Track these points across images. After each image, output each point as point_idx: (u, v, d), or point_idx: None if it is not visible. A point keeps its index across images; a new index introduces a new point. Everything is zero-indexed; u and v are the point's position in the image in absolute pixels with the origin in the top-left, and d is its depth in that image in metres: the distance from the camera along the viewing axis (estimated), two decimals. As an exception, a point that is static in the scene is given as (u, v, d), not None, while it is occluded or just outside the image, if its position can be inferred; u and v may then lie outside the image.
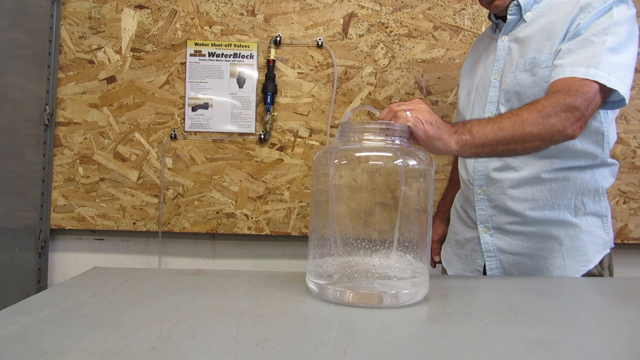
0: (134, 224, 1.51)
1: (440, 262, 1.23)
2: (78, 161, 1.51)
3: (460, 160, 1.13)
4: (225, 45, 1.50)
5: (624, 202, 1.52)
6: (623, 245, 1.52)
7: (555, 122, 0.78)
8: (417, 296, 0.67)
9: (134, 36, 1.50)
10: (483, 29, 1.51)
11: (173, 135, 1.50)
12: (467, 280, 0.91)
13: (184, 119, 1.50)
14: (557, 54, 0.89)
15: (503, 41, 1.01)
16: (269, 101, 1.48)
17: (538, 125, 0.77)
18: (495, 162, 1.00)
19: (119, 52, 1.50)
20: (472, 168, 1.04)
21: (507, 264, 1.01)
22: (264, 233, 1.53)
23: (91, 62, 1.50)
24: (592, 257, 0.96)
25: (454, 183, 1.27)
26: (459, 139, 0.74)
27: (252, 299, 0.67)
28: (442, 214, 1.29)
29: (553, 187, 0.95)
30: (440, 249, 1.24)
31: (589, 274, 0.96)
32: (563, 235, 0.96)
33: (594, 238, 0.97)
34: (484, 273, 1.04)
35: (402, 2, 1.52)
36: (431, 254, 1.28)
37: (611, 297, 0.80)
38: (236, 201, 1.52)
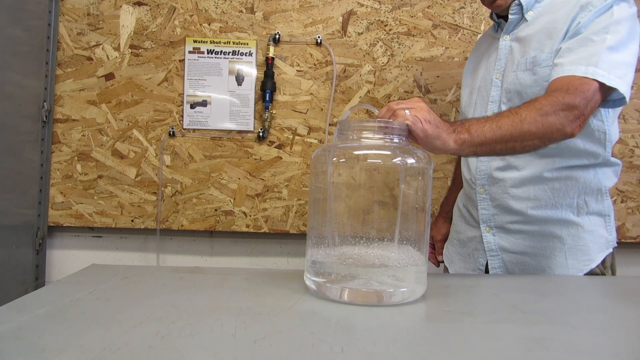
0: (132, 221, 1.51)
1: (443, 261, 1.23)
2: (76, 158, 1.50)
3: (462, 160, 1.12)
4: (224, 43, 1.50)
5: (622, 201, 1.52)
6: (620, 244, 1.51)
7: (554, 120, 0.78)
8: (415, 294, 0.67)
9: (132, 33, 1.49)
10: (482, 28, 1.51)
11: (171, 133, 1.50)
12: (467, 278, 0.91)
13: (182, 117, 1.50)
14: (557, 53, 0.89)
15: (505, 40, 1.01)
16: (267, 99, 1.48)
17: (537, 123, 0.77)
18: (497, 162, 1.00)
19: (117, 49, 1.49)
20: (475, 167, 1.04)
21: (509, 263, 1.01)
22: (262, 231, 1.52)
23: (89, 58, 1.49)
24: (595, 256, 0.96)
25: (457, 183, 1.27)
26: (458, 137, 0.74)
27: (250, 296, 0.67)
28: (446, 214, 1.29)
29: (555, 186, 0.95)
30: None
31: (591, 273, 0.96)
32: (565, 234, 0.96)
33: (597, 237, 0.96)
34: (486, 271, 1.04)
35: (402, 0, 1.52)
36: (435, 254, 1.28)
37: (611, 295, 0.80)
38: (234, 199, 1.52)
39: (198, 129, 1.50)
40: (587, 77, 0.82)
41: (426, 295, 0.70)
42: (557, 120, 0.78)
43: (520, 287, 0.82)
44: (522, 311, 0.65)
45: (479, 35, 1.48)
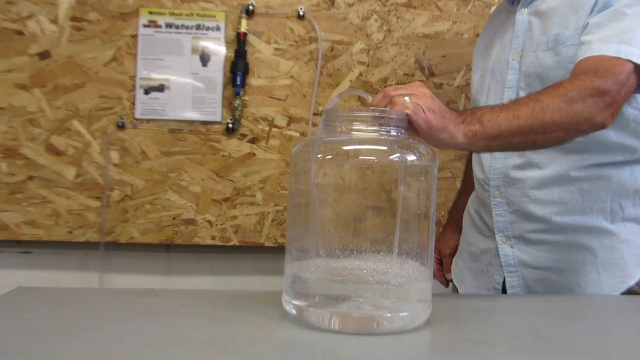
0: (70, 232, 1.48)
1: (452, 280, 1.23)
2: (1, 155, 1.47)
3: (474, 157, 1.14)
4: (187, 15, 1.48)
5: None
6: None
7: (581, 108, 0.79)
8: (418, 320, 0.67)
9: (74, 2, 1.47)
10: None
11: (120, 124, 1.48)
12: (481, 300, 0.92)
13: (134, 104, 1.48)
14: (584, 29, 0.90)
15: (522, 15, 1.02)
16: (238, 83, 1.47)
17: (561, 112, 0.78)
18: (515, 159, 1.01)
19: (54, 21, 1.47)
20: (488, 166, 1.04)
21: (531, 280, 1.02)
22: (231, 244, 1.51)
23: (20, 33, 1.47)
24: (633, 271, 0.97)
25: (468, 185, 1.28)
26: (467, 129, 0.74)
27: (216, 325, 0.67)
28: (455, 222, 1.29)
29: (584, 188, 0.95)
30: None
31: (629, 292, 0.97)
32: (597, 245, 0.97)
33: (635, 248, 0.97)
34: (503, 291, 1.05)
35: (400, -36, 1.52)
36: (443, 271, 1.29)
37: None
38: (197, 205, 1.50)
39: (153, 119, 1.49)
40: (619, 58, 0.83)
41: (431, 320, 0.69)
42: (584, 108, 0.80)
43: (544, 310, 0.82)
44: (547, 339, 0.65)
45: (492, 8, 1.49)
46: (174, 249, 1.56)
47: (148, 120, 1.49)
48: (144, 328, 0.65)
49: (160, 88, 1.49)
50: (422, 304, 0.68)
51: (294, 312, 0.68)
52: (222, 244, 1.52)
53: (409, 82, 0.76)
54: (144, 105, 1.49)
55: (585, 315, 0.81)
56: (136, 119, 1.49)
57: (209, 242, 1.51)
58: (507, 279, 1.04)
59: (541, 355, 0.60)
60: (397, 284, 0.66)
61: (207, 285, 1.57)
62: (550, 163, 0.97)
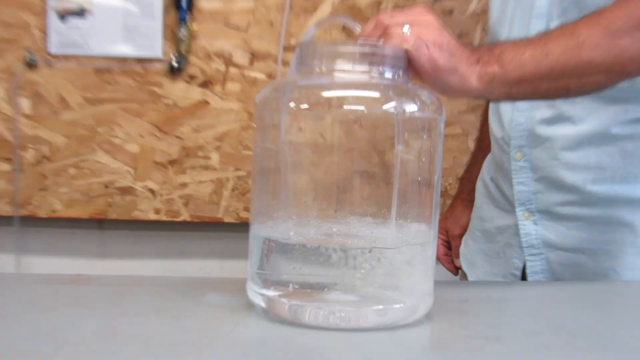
0: (-31, 204, 1.48)
1: (461, 267, 1.26)
2: None
3: (491, 109, 1.14)
4: None
5: None
6: None
7: (628, 44, 0.79)
8: (416, 313, 0.68)
9: None
10: None
11: (30, 62, 1.46)
12: (494, 288, 0.94)
13: (46, 34, 1.47)
14: None
15: None
16: (184, 6, 1.46)
17: (602, 49, 0.79)
18: (543, 111, 1.01)
19: None
20: (509, 120, 1.05)
21: (557, 264, 1.04)
22: (181, 219, 1.53)
23: None
24: None
25: (484, 146, 1.29)
26: (483, 71, 0.75)
27: (164, 319, 0.67)
28: (467, 194, 1.31)
29: (627, 149, 0.97)
30: None
31: None
32: (639, 221, 0.99)
33: None
34: (523, 278, 1.08)
35: None
36: (451, 256, 1.31)
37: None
38: (135, 169, 1.51)
39: (73, 56, 1.47)
40: None
41: (432, 313, 0.71)
42: (632, 44, 0.80)
43: (571, 300, 0.85)
44: (572, 334, 0.67)
45: None
46: (107, 225, 1.57)
47: (66, 57, 1.48)
48: (74, 321, 0.65)
49: (81, 13, 1.47)
50: (422, 293, 0.69)
51: (261, 304, 0.68)
52: (169, 219, 1.53)
53: (409, 7, 0.76)
54: (61, 37, 1.48)
55: (620, 305, 0.83)
56: (50, 55, 1.48)
57: (152, 216, 1.53)
58: (528, 263, 1.06)
59: (565, 352, 0.62)
60: (391, 269, 0.67)
61: (151, 271, 1.59)
62: (586, 117, 0.98)
